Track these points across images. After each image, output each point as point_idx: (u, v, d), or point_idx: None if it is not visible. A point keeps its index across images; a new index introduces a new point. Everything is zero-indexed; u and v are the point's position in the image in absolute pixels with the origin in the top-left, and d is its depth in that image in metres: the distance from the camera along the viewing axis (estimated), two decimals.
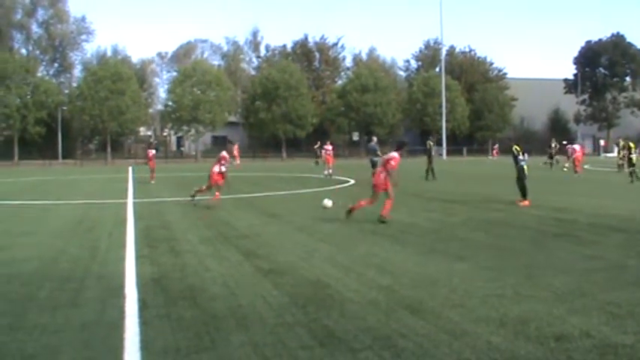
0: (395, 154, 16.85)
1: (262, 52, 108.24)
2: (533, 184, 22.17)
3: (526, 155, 20.99)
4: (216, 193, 20.82)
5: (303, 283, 8.91)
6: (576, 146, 42.15)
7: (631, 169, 34.32)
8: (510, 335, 6.40)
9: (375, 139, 36.43)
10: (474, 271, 9.62)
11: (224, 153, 21.40)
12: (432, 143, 36.86)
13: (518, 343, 6.15)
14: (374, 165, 31.54)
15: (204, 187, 21.22)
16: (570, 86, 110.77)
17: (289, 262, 10.51)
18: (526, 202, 19.91)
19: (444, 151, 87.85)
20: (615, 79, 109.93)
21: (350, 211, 16.56)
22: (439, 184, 29.90)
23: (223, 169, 20.85)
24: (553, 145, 51.05)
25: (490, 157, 67.01)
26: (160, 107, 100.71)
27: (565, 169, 44.96)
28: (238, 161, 56.21)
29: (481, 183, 31.01)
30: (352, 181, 32.59)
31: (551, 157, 49.93)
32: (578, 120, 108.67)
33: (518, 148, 20.96)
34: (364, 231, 14.35)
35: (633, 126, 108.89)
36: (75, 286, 8.98)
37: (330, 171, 38.78)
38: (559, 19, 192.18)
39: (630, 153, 36.33)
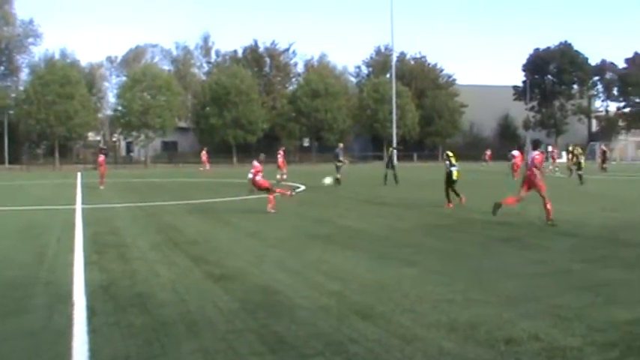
0: (536, 153, 17.39)
1: (213, 57, 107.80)
2: (484, 189, 22.49)
3: (449, 162, 22.05)
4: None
5: (254, 289, 8.89)
6: (515, 152, 42.61)
7: (580, 172, 36.15)
8: (461, 339, 6.46)
9: (341, 145, 38.40)
10: (424, 276, 9.69)
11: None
12: (393, 149, 37.69)
13: (468, 347, 6.22)
14: (338, 169, 34.17)
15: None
16: (519, 93, 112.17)
17: (239, 268, 10.48)
18: (451, 205, 21.12)
19: (395, 157, 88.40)
20: (563, 87, 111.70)
21: (498, 206, 16.97)
22: (391, 190, 30.04)
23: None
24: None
25: (484, 164, 66.09)
26: (109, 112, 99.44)
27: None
28: (208, 167, 55.85)
29: (432, 188, 31.19)
30: (303, 187, 32.55)
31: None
32: (527, 126, 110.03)
33: (450, 154, 22.21)
34: (314, 237, 14.37)
35: (580, 132, 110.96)
36: (22, 292, 8.84)
37: (285, 176, 38.75)
38: (508, 27, 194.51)
39: (578, 158, 37.50)
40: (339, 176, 34.13)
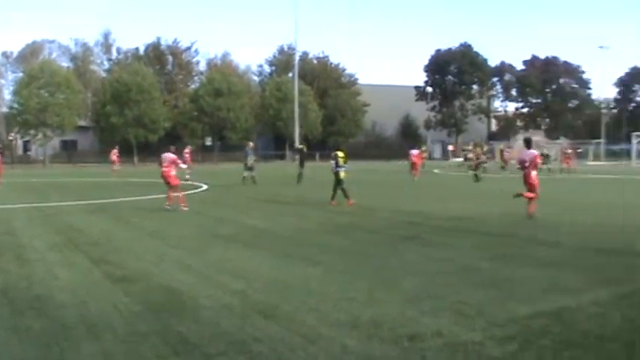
0: (534, 151, 19.03)
1: (114, 54, 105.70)
2: (390, 188, 22.76)
3: (336, 162, 22.20)
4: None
5: (156, 290, 8.76)
6: (414, 151, 43.06)
7: (478, 171, 37.74)
8: (364, 337, 6.51)
9: (251, 144, 38.38)
10: (327, 275, 9.74)
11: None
12: (303, 148, 37.74)
13: (372, 345, 6.28)
14: (251, 169, 34.37)
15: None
16: (421, 93, 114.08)
17: (141, 269, 10.31)
18: (350, 202, 21.34)
19: (298, 156, 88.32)
20: (463, 87, 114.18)
21: (520, 195, 18.14)
22: (295, 190, 30.09)
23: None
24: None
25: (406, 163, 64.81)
26: (4, 110, 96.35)
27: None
28: (116, 166, 53.94)
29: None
30: (205, 187, 32.27)
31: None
32: (428, 126, 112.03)
33: (340, 155, 22.25)
34: (217, 236, 14.27)
35: (480, 132, 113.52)
36: None
37: (188, 176, 38.35)
38: (411, 28, 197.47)
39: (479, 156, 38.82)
40: (254, 174, 34.26)
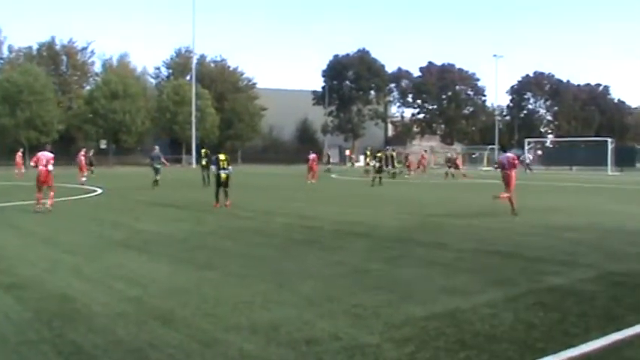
0: (510, 154, 21.65)
1: (5, 52, 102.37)
2: (287, 192, 22.85)
3: (217, 165, 22.65)
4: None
5: (48, 298, 8.51)
6: (311, 155, 43.74)
7: (380, 175, 38.78)
8: (262, 341, 6.50)
9: (157, 148, 37.80)
10: (224, 280, 9.69)
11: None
12: (208, 152, 37.79)
13: (270, 349, 6.27)
14: (157, 171, 33.97)
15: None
16: (319, 98, 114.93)
17: (33, 276, 9.99)
18: (228, 203, 21.95)
19: (194, 160, 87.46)
20: (361, 93, 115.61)
21: (512, 209, 20.18)
22: (192, 193, 29.77)
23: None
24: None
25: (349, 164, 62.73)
26: None
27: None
28: (22, 169, 51.70)
29: (233, 192, 31.20)
30: (100, 191, 31.59)
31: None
32: (325, 130, 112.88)
33: (222, 157, 22.68)
34: (112, 241, 13.98)
35: (377, 137, 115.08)
36: None
37: (84, 179, 37.54)
38: (310, 34, 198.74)
39: (379, 160, 40.54)
40: (157, 178, 33.79)
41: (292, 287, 9.12)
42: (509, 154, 21.65)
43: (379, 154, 41.90)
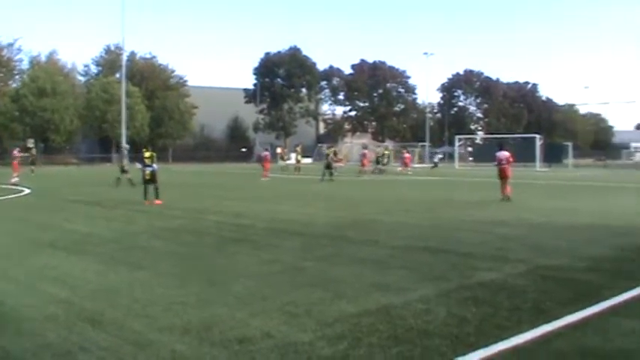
0: (506, 152, 25.81)
1: None
2: (218, 191, 22.76)
3: (143, 162, 23.20)
4: None
5: None
6: (264, 153, 44.89)
7: (329, 170, 40.39)
8: (195, 342, 6.46)
9: (127, 146, 39.03)
10: (156, 280, 9.59)
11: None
12: (127, 148, 37.69)
13: (203, 349, 6.23)
14: (126, 171, 34.02)
15: None
16: (250, 96, 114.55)
17: None
18: (158, 202, 22.22)
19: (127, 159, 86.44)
20: (292, 90, 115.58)
21: (507, 198, 24.17)
22: (122, 193, 29.37)
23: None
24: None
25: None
26: None
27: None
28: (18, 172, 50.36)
29: (163, 190, 30.91)
30: (28, 191, 30.94)
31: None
32: (257, 128, 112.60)
33: (147, 155, 23.12)
34: (39, 242, 13.69)
35: (308, 134, 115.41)
36: None
37: (16, 179, 36.65)
38: (241, 31, 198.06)
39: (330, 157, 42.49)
40: (130, 176, 33.53)
41: (225, 286, 9.08)
42: (505, 152, 25.78)
43: (328, 151, 42.80)
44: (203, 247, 13.10)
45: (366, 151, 55.39)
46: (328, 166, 40.97)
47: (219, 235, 14.87)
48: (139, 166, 22.66)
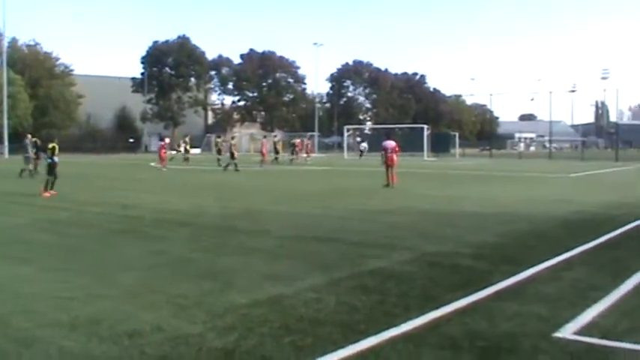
0: (393, 142, 26.97)
1: None
2: (105, 181, 22.39)
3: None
4: None
5: None
6: (162, 142, 46.91)
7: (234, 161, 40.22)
8: (83, 337, 6.32)
9: (29, 136, 36.63)
10: (41, 274, 9.34)
11: None
12: (36, 141, 36.73)
13: (91, 345, 6.11)
14: (29, 160, 33.52)
15: None
16: (137, 85, 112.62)
17: None
18: (47, 194, 21.78)
19: (6, 150, 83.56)
20: (181, 80, 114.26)
21: (388, 185, 25.56)
22: (6, 184, 28.43)
23: None
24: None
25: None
26: None
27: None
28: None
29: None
30: None
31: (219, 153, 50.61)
32: (144, 118, 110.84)
33: (49, 146, 22.83)
34: None
35: (197, 124, 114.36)
36: None
37: None
38: (128, 19, 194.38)
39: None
40: (31, 167, 33.16)
41: (113, 279, 8.93)
42: (392, 142, 26.93)
43: (218, 140, 42.95)
44: (89, 239, 12.82)
45: (264, 141, 55.38)
46: (232, 156, 40.77)
47: (107, 227, 14.58)
48: (47, 156, 22.43)
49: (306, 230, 14.02)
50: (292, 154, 55.75)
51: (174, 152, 60.10)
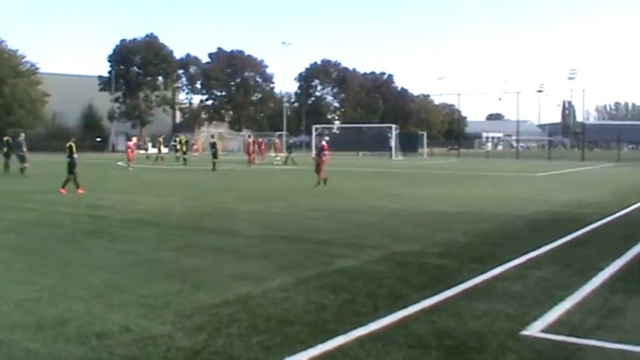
0: (324, 142, 29.02)
1: None
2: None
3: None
4: None
5: None
6: (129, 142, 47.30)
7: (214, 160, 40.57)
8: (49, 338, 6.27)
9: (23, 135, 36.59)
10: (7, 275, 9.24)
11: None
12: (9, 140, 36.59)
13: (58, 346, 6.06)
14: (23, 159, 33.74)
15: None
16: (105, 83, 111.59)
17: None
18: (63, 191, 22.63)
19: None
20: (148, 78, 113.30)
21: (324, 182, 26.29)
22: None
23: None
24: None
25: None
26: None
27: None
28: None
29: (13, 181, 29.75)
30: None
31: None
32: (112, 117, 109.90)
33: (71, 145, 23.58)
34: None
35: (165, 124, 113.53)
36: None
37: None
38: (95, 17, 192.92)
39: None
40: (26, 165, 33.46)
41: (80, 280, 8.86)
42: (323, 142, 28.94)
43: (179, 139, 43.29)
44: (56, 240, 12.70)
45: (250, 140, 55.07)
46: (215, 155, 41.25)
47: (74, 227, 14.47)
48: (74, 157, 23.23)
49: (273, 229, 14.02)
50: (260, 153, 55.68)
51: (149, 152, 59.78)
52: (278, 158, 56.25)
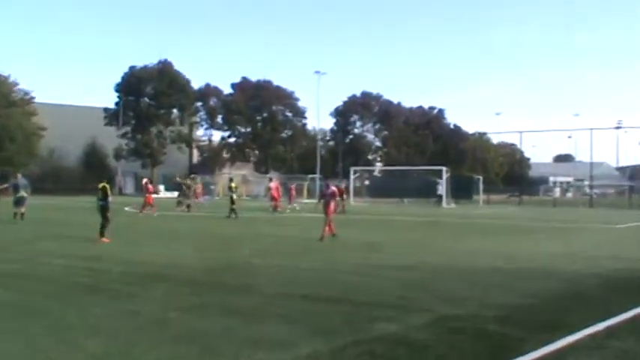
0: (334, 188, 28.37)
1: None
2: (71, 229, 22.36)
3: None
4: None
5: None
6: (149, 184, 47.34)
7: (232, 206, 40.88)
8: None
9: (20, 175, 38.69)
10: None
11: None
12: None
13: None
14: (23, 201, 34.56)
15: None
16: (111, 116, 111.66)
17: None
18: (106, 240, 23.27)
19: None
20: (162, 111, 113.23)
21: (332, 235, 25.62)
22: None
23: None
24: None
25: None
26: None
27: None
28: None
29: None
30: None
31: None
32: (119, 155, 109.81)
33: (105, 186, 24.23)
34: None
35: (180, 163, 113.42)
36: None
37: None
38: (101, 41, 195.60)
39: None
40: (23, 210, 34.02)
41: (77, 345, 8.83)
42: (333, 188, 27.99)
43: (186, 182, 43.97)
44: (49, 296, 12.69)
45: (273, 184, 55.00)
46: (232, 201, 41.83)
47: (69, 281, 14.48)
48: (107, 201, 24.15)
49: (299, 287, 13.92)
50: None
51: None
52: (295, 205, 55.47)
